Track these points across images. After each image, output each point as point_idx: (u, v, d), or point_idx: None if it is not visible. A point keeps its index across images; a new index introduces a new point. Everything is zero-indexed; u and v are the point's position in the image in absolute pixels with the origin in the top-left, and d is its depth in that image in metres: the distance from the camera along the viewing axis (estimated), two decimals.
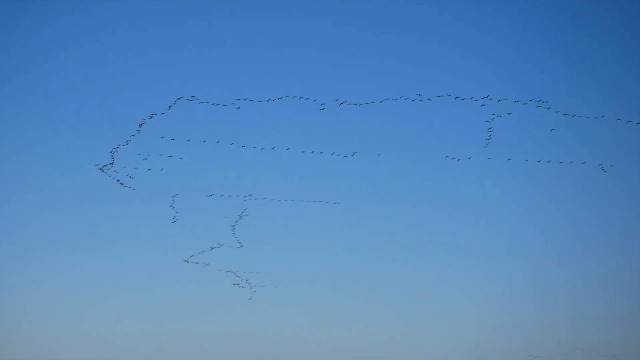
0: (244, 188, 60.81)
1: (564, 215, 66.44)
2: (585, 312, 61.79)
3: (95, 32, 69.05)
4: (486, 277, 63.57)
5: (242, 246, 59.98)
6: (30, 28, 68.20)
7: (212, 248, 59.94)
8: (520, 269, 63.90)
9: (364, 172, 65.19)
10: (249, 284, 60.14)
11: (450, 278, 64.12)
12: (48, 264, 63.13)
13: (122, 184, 58.07)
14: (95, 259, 63.92)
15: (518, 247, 64.88)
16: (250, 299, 60.05)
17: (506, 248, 64.79)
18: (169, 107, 57.04)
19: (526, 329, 60.76)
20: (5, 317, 59.73)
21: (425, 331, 61.50)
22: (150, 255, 64.19)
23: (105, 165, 57.46)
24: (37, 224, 64.67)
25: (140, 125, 56.89)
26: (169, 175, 59.53)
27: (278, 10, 70.83)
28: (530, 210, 66.69)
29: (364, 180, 66.14)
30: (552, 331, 60.52)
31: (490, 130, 58.34)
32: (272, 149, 59.78)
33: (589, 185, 64.65)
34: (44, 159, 66.97)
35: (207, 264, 60.11)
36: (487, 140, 58.64)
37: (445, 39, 70.73)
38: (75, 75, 69.13)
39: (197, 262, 60.06)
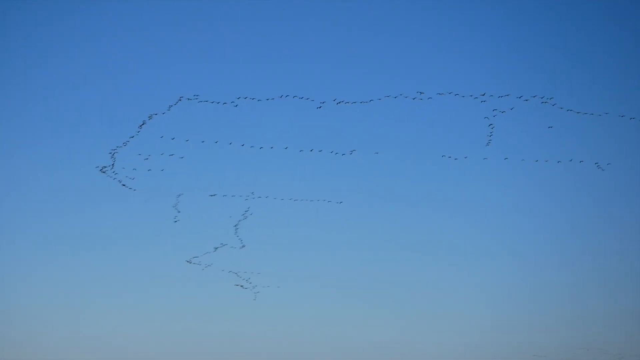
0: (245, 188, 60.71)
1: (567, 214, 66.34)
2: (590, 311, 61.67)
3: (94, 33, 69.01)
4: (490, 277, 63.39)
5: (244, 246, 59.77)
6: (30, 28, 68.17)
7: (216, 248, 59.68)
8: (524, 269, 63.80)
9: (366, 171, 65.12)
10: (251, 284, 59.94)
11: (456, 278, 63.94)
12: (51, 264, 63.06)
13: (124, 185, 57.91)
14: (96, 260, 63.87)
15: (523, 247, 64.75)
16: (254, 300, 59.85)
17: (511, 248, 64.63)
18: (170, 107, 56.95)
19: (531, 329, 60.66)
20: (6, 318, 59.71)
21: (429, 332, 61.37)
22: (152, 256, 64.12)
23: (105, 167, 57.29)
24: (39, 224, 64.65)
25: (140, 126, 56.77)
26: (169, 176, 59.40)
27: (278, 10, 70.79)
28: (533, 209, 66.57)
29: (367, 179, 66.08)
30: (557, 330, 60.39)
31: (491, 127, 58.09)
32: (271, 148, 59.65)
33: (594, 182, 64.41)
34: (45, 159, 66.91)
35: (210, 265, 59.85)
36: (489, 137, 58.41)
37: (445, 36, 70.67)
38: (75, 75, 69.10)
39: (200, 263, 59.84)
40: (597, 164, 59.53)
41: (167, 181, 59.59)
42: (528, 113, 59.20)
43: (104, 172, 57.19)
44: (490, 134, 58.27)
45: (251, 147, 59.02)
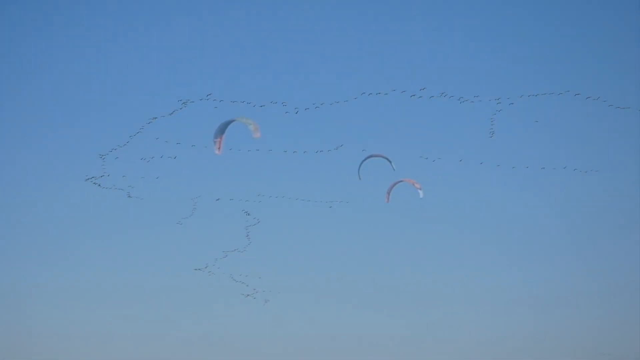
0: (240, 190, 61.02)
1: (587, 218, 65.62)
2: (611, 316, 61.04)
3: (93, 34, 69.39)
4: (504, 280, 62.84)
5: (250, 242, 59.76)
6: (27, 29, 68.70)
7: (225, 254, 59.78)
8: (539, 275, 63.04)
9: (368, 171, 65.09)
10: (255, 290, 60.02)
11: (467, 283, 63.69)
12: (57, 266, 63.52)
13: (129, 196, 58.20)
14: (98, 263, 64.25)
15: (538, 251, 64.28)
16: (264, 304, 59.97)
17: (524, 253, 64.15)
18: (174, 111, 57.24)
19: (547, 336, 60.51)
20: (8, 319, 60.23)
21: (438, 337, 61.15)
22: (153, 262, 64.39)
23: (93, 177, 57.52)
24: (41, 226, 65.01)
25: (131, 136, 57.11)
26: (166, 179, 59.69)
27: (274, 11, 71.16)
28: (551, 212, 65.75)
29: (368, 179, 66.05)
30: (575, 337, 60.07)
31: (492, 121, 58.05)
32: (257, 151, 59.72)
33: (606, 179, 63.90)
34: (48, 160, 67.25)
35: (213, 272, 59.92)
36: (491, 130, 58.30)
37: (445, 35, 70.84)
38: (75, 77, 69.55)
39: (207, 271, 59.92)
40: (575, 169, 59.50)
41: (166, 184, 59.95)
42: (529, 109, 59.36)
43: (101, 186, 57.46)
44: (492, 124, 58.20)
45: (239, 150, 59.11)
